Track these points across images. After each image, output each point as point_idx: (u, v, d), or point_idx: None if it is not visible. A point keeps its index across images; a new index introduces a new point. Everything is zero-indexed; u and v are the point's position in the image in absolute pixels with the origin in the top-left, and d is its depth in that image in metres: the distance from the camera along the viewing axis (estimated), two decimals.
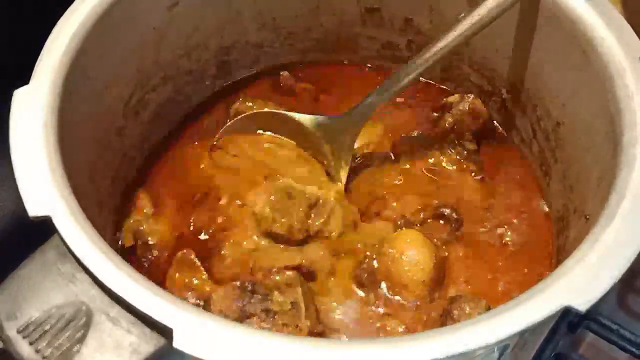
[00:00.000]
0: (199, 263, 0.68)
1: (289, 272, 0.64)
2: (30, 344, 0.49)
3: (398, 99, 0.83)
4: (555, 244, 0.72)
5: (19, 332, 0.49)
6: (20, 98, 0.57)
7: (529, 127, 0.78)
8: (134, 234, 0.72)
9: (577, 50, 0.65)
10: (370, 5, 0.82)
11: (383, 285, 0.67)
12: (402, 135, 0.80)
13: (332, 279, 0.68)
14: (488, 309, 0.62)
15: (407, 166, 0.78)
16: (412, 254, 0.67)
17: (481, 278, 0.70)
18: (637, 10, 0.74)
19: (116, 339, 0.49)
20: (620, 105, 0.59)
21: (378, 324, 0.65)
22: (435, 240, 0.71)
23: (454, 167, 0.77)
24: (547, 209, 0.75)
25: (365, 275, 0.67)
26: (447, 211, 0.73)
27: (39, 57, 0.60)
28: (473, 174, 0.77)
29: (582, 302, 0.47)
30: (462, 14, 0.70)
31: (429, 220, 0.73)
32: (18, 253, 0.53)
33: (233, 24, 0.81)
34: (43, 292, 0.51)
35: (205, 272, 0.68)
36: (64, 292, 0.51)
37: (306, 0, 0.83)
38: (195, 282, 0.67)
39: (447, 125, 0.78)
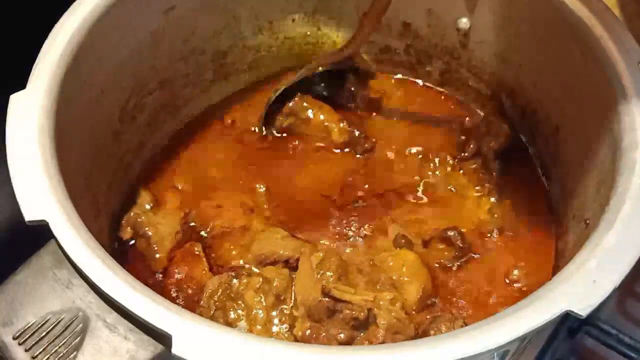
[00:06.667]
0: (202, 254, 0.70)
1: (280, 269, 0.66)
2: (26, 350, 0.49)
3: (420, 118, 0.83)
4: (554, 250, 0.72)
5: (14, 338, 0.49)
6: (17, 103, 0.57)
7: (528, 131, 0.78)
8: (133, 227, 0.72)
9: (576, 55, 0.65)
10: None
11: None
12: (429, 156, 0.79)
13: None
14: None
15: (429, 181, 0.77)
16: (400, 280, 0.66)
17: (476, 312, 0.67)
18: (634, 15, 0.74)
19: (113, 345, 0.48)
20: (619, 109, 0.59)
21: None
22: (435, 263, 0.70)
23: (474, 187, 0.76)
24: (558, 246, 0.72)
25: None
26: (452, 234, 0.70)
27: (35, 62, 0.60)
28: (492, 199, 0.75)
29: (582, 307, 0.47)
30: (464, 20, 0.70)
31: (434, 242, 0.71)
32: (14, 258, 0.53)
33: (229, 28, 0.81)
34: (39, 298, 0.51)
35: (206, 265, 0.69)
36: (61, 298, 0.50)
37: (303, 4, 0.83)
38: (196, 273, 0.69)
39: (471, 148, 0.77)
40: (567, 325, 0.72)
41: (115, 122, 0.72)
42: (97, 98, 0.67)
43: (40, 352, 0.48)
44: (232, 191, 0.77)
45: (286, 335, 0.62)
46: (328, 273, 0.63)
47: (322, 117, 0.81)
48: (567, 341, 0.72)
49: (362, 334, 0.61)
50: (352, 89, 0.84)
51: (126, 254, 0.71)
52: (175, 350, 0.44)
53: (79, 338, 0.49)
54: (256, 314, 0.63)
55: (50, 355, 0.48)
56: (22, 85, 0.58)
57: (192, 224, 0.73)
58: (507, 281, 0.69)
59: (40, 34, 0.62)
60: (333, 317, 0.61)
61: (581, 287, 0.48)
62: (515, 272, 0.70)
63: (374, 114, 0.84)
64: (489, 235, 0.73)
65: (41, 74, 0.59)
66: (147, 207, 0.73)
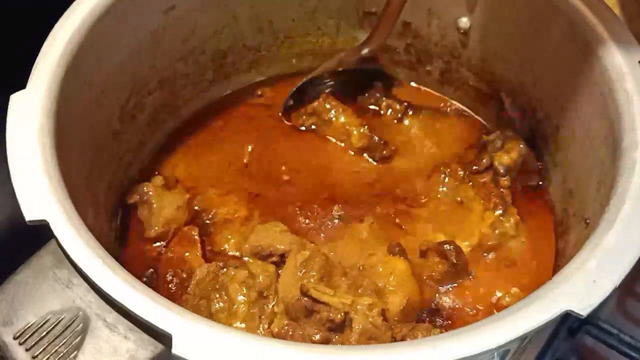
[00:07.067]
0: (198, 239, 0.71)
1: (267, 265, 0.66)
2: (27, 350, 0.49)
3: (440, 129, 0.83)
4: (555, 250, 0.72)
5: (15, 338, 0.49)
6: (17, 103, 0.57)
7: (528, 130, 0.78)
8: (140, 195, 0.74)
9: (576, 54, 0.65)
10: (368, 9, 0.82)
11: None
12: (441, 168, 0.78)
13: None
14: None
15: (437, 191, 0.77)
16: (386, 288, 0.65)
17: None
18: (635, 15, 0.74)
19: (113, 345, 0.48)
20: (620, 109, 0.59)
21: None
22: (425, 276, 0.69)
23: (482, 201, 0.75)
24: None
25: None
26: (448, 248, 0.69)
27: (36, 62, 0.60)
28: (497, 212, 0.74)
29: (582, 307, 0.47)
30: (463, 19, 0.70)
31: (430, 254, 0.70)
32: (14, 258, 0.53)
33: (229, 27, 0.81)
34: (39, 297, 0.51)
35: (200, 250, 0.70)
36: (61, 298, 0.50)
37: (303, 4, 0.83)
38: (190, 257, 0.69)
39: (484, 162, 0.76)
40: (567, 324, 0.72)
41: (115, 122, 0.72)
42: (97, 98, 0.67)
43: (40, 352, 0.48)
44: (238, 182, 0.77)
45: (263, 333, 0.62)
46: (311, 272, 0.63)
47: (343, 119, 0.81)
48: (568, 340, 0.72)
49: (337, 336, 0.60)
50: (378, 95, 0.85)
51: (126, 236, 0.73)
52: (176, 350, 0.44)
53: (79, 337, 0.49)
54: (237, 308, 0.63)
55: (51, 354, 0.48)
56: (22, 85, 0.58)
57: (196, 207, 0.74)
58: (495, 311, 0.68)
59: (40, 34, 0.62)
60: (310, 317, 0.61)
61: (581, 286, 0.48)
62: (507, 298, 0.68)
63: (396, 122, 0.84)
64: (485, 254, 0.72)
65: (41, 74, 0.59)
66: (159, 183, 0.75)
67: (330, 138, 0.82)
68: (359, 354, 0.45)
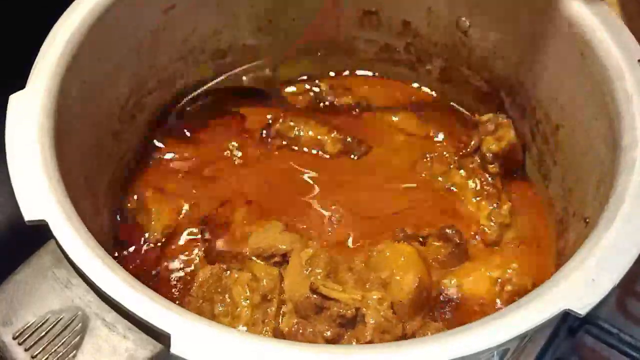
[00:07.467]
0: (201, 240, 0.71)
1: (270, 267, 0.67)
2: (26, 350, 0.49)
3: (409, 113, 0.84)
4: (555, 248, 0.72)
5: (14, 337, 0.49)
6: (16, 103, 0.57)
7: (528, 130, 0.78)
8: (138, 197, 0.74)
9: (575, 53, 0.65)
10: (368, 8, 0.82)
11: None
12: (426, 152, 0.78)
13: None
14: None
15: (426, 178, 0.77)
16: (396, 272, 0.65)
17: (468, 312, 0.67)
18: (635, 14, 0.74)
19: (112, 344, 0.48)
20: (619, 108, 0.59)
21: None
22: (431, 260, 0.69)
23: (473, 188, 0.75)
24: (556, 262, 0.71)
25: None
26: (450, 231, 0.69)
27: (35, 62, 0.60)
28: (492, 204, 0.74)
29: (581, 306, 0.47)
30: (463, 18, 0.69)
31: (431, 239, 0.70)
32: (14, 258, 0.53)
33: (229, 26, 0.81)
34: (39, 297, 0.51)
35: (202, 252, 0.70)
36: (60, 298, 0.50)
37: (303, 3, 0.83)
38: (191, 259, 0.70)
39: (473, 144, 0.77)
40: (567, 323, 0.72)
41: (115, 121, 0.72)
42: (96, 98, 0.67)
43: (39, 352, 0.48)
44: (236, 184, 0.77)
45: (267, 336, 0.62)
46: (317, 270, 0.64)
47: (311, 133, 0.81)
48: (568, 340, 0.72)
49: (348, 332, 0.60)
50: (330, 98, 0.85)
51: (126, 236, 0.72)
52: (174, 349, 0.44)
53: (78, 337, 0.49)
54: (241, 311, 0.63)
55: (50, 354, 0.48)
56: (22, 85, 0.58)
57: (196, 210, 0.74)
58: (502, 280, 0.68)
59: (40, 34, 0.62)
60: (320, 313, 0.61)
61: (580, 285, 0.48)
62: (509, 271, 0.69)
63: (364, 115, 0.84)
64: (484, 243, 0.72)
65: (41, 74, 0.59)
66: (157, 186, 0.75)
67: (305, 149, 0.81)
68: (363, 353, 0.45)
